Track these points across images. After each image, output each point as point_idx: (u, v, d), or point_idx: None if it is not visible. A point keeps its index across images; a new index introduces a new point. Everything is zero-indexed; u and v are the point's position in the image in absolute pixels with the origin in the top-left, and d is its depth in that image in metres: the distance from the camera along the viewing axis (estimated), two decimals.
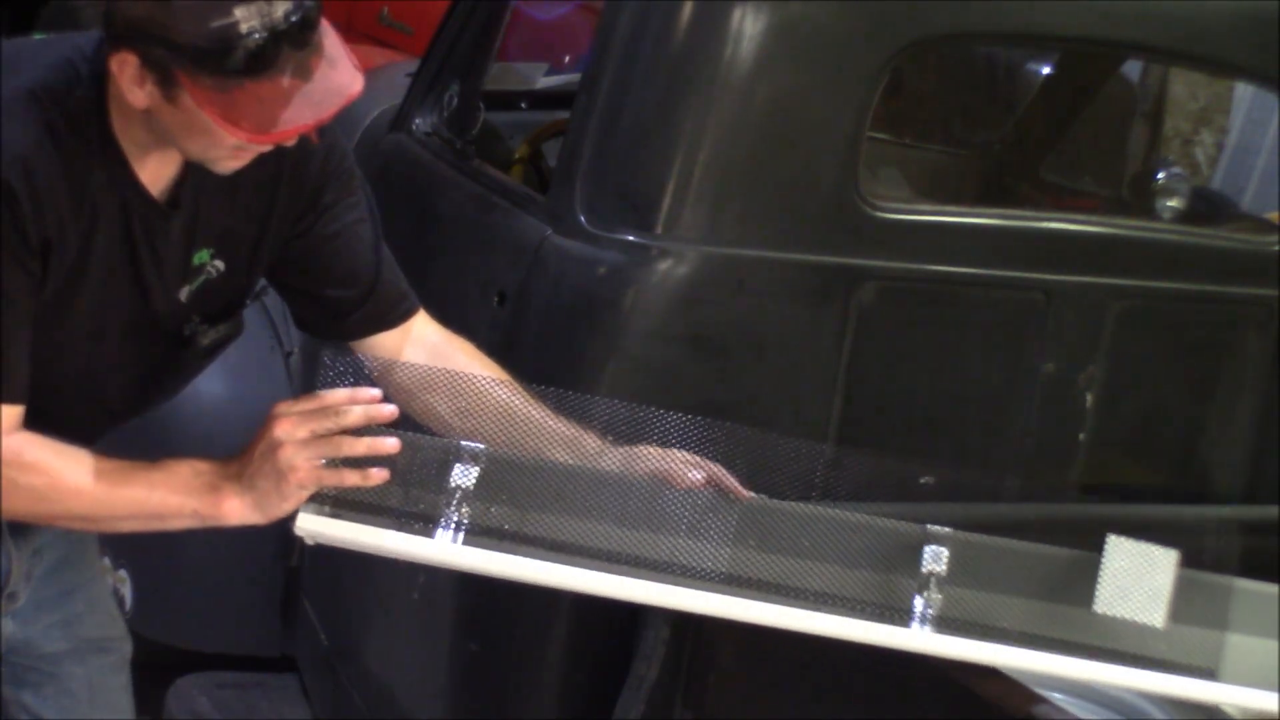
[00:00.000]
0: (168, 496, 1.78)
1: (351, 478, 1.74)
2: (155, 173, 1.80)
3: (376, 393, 1.75)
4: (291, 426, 1.72)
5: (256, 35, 1.60)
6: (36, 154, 1.70)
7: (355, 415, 1.73)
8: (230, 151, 1.74)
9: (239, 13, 1.59)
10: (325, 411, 1.73)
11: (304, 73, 1.66)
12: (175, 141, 1.74)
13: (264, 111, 1.65)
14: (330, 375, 1.77)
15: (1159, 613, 1.75)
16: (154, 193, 1.82)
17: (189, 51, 1.61)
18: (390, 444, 1.74)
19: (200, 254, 1.90)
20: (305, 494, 1.74)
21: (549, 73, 4.03)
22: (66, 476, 1.77)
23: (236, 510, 1.76)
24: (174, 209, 1.84)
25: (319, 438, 1.72)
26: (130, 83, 1.67)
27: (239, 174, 1.81)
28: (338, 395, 1.74)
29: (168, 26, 1.60)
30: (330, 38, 1.70)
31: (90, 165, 1.75)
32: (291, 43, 1.63)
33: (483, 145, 2.86)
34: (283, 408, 1.74)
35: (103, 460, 1.78)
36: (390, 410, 1.75)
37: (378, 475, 1.74)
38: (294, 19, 1.62)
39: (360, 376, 1.79)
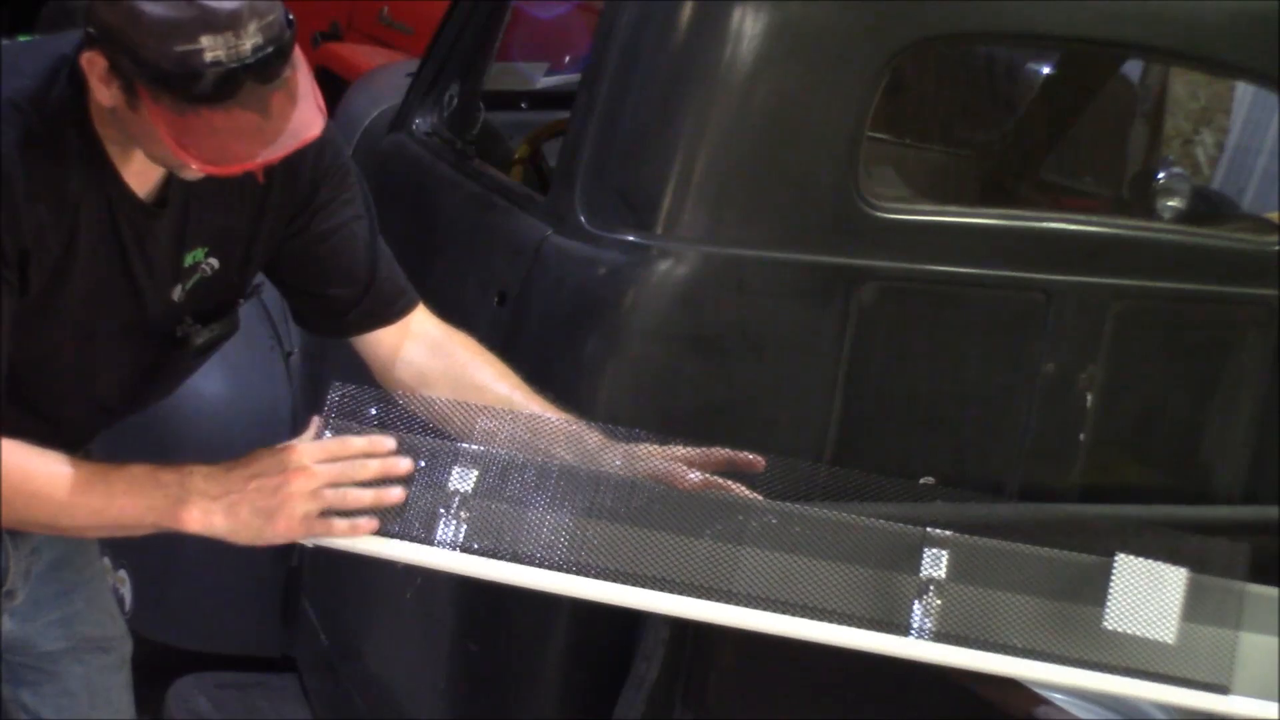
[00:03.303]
0: (127, 507, 1.74)
1: (340, 526, 1.73)
2: (141, 172, 1.80)
3: (392, 443, 1.73)
4: (308, 480, 1.70)
5: (220, 66, 1.59)
6: (12, 165, 1.69)
7: (371, 470, 1.72)
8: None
9: (205, 41, 1.58)
10: (343, 466, 1.71)
11: (263, 108, 1.64)
12: (139, 145, 1.74)
13: (216, 142, 1.64)
14: (337, 404, 1.76)
15: (1169, 632, 1.74)
16: (141, 192, 1.81)
17: (151, 70, 1.60)
18: (395, 495, 1.73)
19: (194, 253, 1.90)
20: (285, 538, 1.73)
21: (549, 73, 4.03)
22: (29, 483, 1.73)
23: (198, 523, 1.72)
24: (161, 208, 1.83)
25: (328, 488, 1.71)
26: (98, 81, 1.66)
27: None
28: (356, 444, 1.73)
29: (135, 40, 1.59)
30: (300, 73, 1.68)
31: (70, 168, 1.74)
32: (255, 77, 1.61)
33: (483, 145, 2.86)
34: (302, 456, 1.71)
35: (75, 467, 1.74)
36: (406, 465, 1.74)
37: (366, 526, 1.73)
38: (260, 55, 1.60)
39: (365, 404, 1.77)
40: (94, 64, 1.65)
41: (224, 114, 1.62)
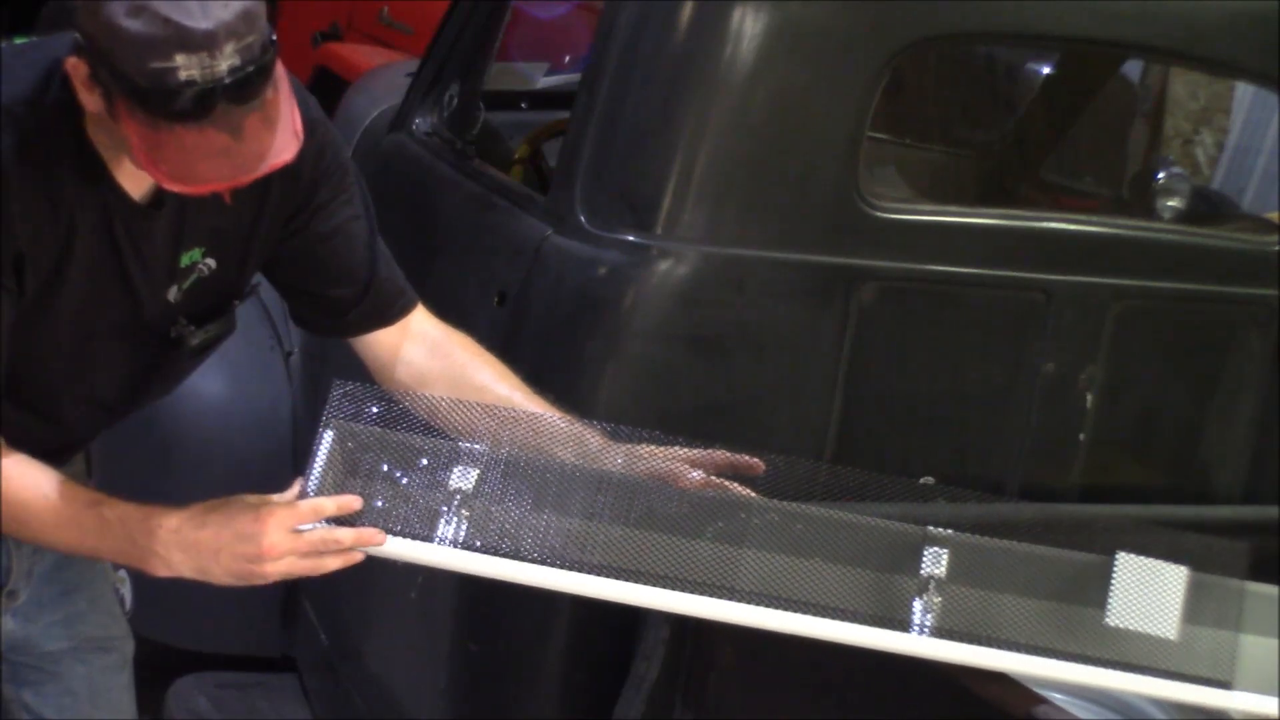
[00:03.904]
0: (98, 548, 1.79)
1: (345, 538, 1.73)
2: (136, 174, 1.79)
3: (382, 538, 1.72)
4: (277, 562, 1.70)
5: (194, 86, 1.57)
6: (8, 170, 1.69)
7: (345, 544, 1.72)
8: None
9: (180, 60, 1.56)
10: (316, 544, 1.71)
11: (236, 130, 1.62)
12: (126, 153, 1.73)
13: (186, 161, 1.63)
14: (337, 404, 1.76)
15: (1170, 629, 1.74)
16: (136, 194, 1.81)
17: (126, 84, 1.59)
18: (356, 558, 1.74)
19: (191, 253, 1.90)
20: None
21: (549, 73, 4.03)
22: (16, 503, 1.76)
23: (167, 573, 1.74)
24: (156, 209, 1.83)
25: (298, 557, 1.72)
26: (81, 87, 1.66)
27: None
28: (327, 507, 1.71)
29: (113, 54, 1.58)
30: (280, 95, 1.67)
31: (65, 172, 1.74)
32: (230, 98, 1.59)
33: (483, 145, 2.86)
34: (274, 531, 1.69)
35: (61, 495, 1.76)
36: (380, 537, 1.73)
37: (373, 538, 1.73)
38: (237, 76, 1.59)
39: (367, 403, 1.77)
40: (77, 70, 1.65)
41: (196, 133, 1.60)
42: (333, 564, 1.73)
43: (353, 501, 1.72)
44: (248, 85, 1.60)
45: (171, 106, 1.58)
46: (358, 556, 1.74)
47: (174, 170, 1.64)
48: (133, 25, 1.56)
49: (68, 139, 1.74)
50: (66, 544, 1.81)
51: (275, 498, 1.73)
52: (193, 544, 1.71)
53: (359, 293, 2.01)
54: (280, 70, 1.67)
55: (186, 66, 1.56)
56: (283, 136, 1.67)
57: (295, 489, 1.73)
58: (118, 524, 1.74)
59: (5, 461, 1.75)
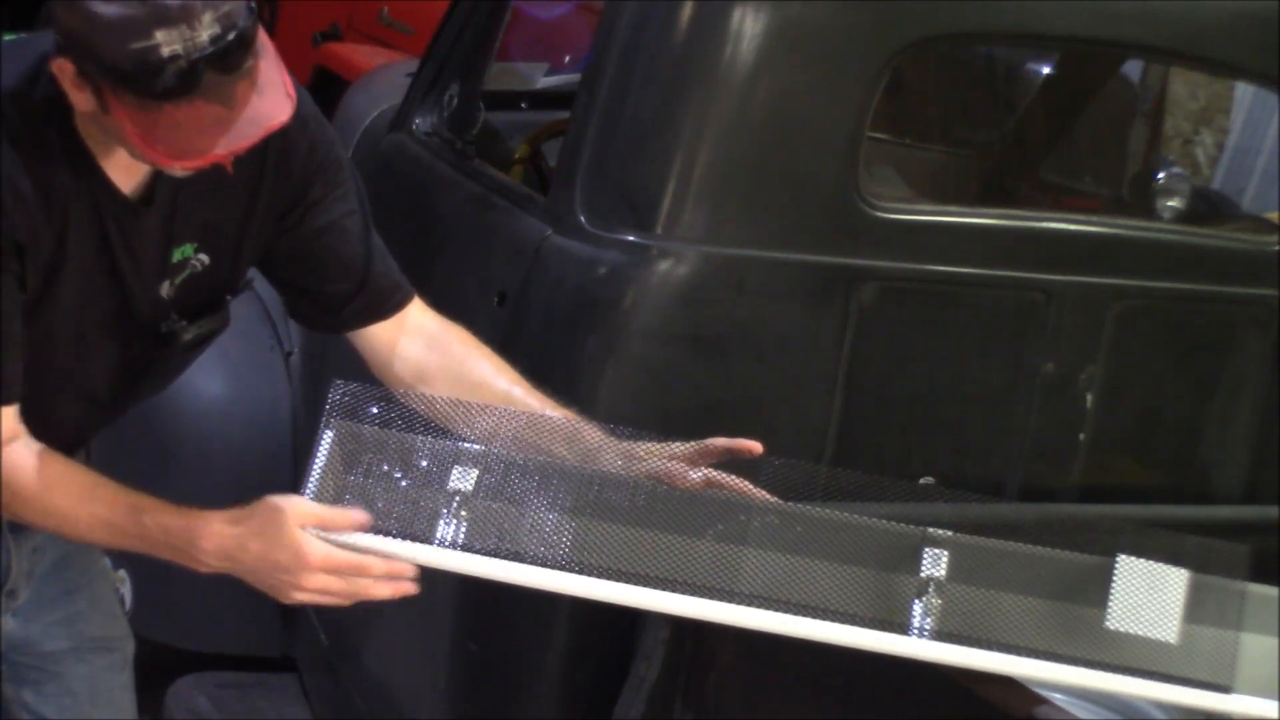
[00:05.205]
0: (135, 548, 1.81)
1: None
2: (127, 169, 1.79)
3: (413, 571, 1.74)
4: (318, 587, 1.72)
5: (178, 60, 1.57)
6: (5, 166, 1.69)
7: (382, 591, 1.74)
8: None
9: (160, 36, 1.56)
10: (358, 585, 1.73)
11: (227, 99, 1.62)
12: (122, 145, 1.73)
13: (181, 137, 1.63)
14: (338, 404, 1.76)
15: (1170, 632, 1.74)
16: (126, 189, 1.81)
17: (111, 70, 1.59)
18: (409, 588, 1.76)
19: (183, 249, 1.90)
20: None
21: (549, 73, 4.03)
22: (50, 499, 1.79)
23: (207, 571, 1.77)
24: (147, 205, 1.83)
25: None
26: (70, 87, 1.66)
27: (219, 168, 1.80)
28: (376, 567, 1.72)
29: (93, 42, 1.58)
30: (266, 59, 1.66)
31: (55, 167, 1.74)
32: (216, 68, 1.59)
33: (483, 145, 2.86)
34: (317, 558, 1.70)
35: (100, 495, 1.79)
36: (413, 590, 1.75)
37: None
38: (220, 45, 1.58)
39: (367, 402, 1.77)
40: (64, 70, 1.65)
41: (187, 107, 1.60)
42: (345, 601, 1.75)
43: (406, 570, 1.73)
44: (231, 53, 1.60)
45: (158, 84, 1.58)
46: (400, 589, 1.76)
47: (171, 148, 1.64)
48: (109, 10, 1.56)
49: (56, 136, 1.74)
50: (104, 543, 1.86)
51: (335, 542, 1.71)
52: (232, 559, 1.74)
53: (354, 288, 2.00)
54: (264, 36, 1.67)
55: (167, 42, 1.56)
56: (275, 99, 1.67)
57: (356, 539, 1.72)
58: (159, 532, 1.76)
59: (49, 467, 1.78)
